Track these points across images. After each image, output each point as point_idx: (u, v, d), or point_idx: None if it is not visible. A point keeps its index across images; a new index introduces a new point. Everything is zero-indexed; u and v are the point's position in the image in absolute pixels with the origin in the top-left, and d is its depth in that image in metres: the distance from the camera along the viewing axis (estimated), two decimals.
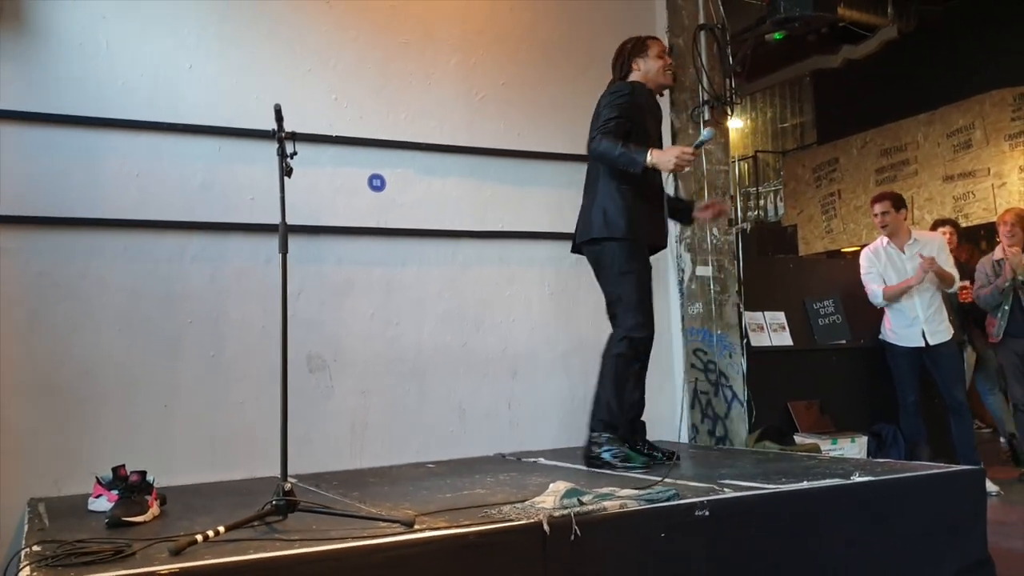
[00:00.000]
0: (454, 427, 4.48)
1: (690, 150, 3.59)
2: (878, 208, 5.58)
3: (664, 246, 3.84)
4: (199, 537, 2.22)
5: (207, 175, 4.03)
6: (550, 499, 2.66)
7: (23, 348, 3.63)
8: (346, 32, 4.40)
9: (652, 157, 3.52)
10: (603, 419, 3.67)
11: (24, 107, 3.71)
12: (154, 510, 2.79)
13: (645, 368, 3.75)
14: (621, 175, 3.66)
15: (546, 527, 2.39)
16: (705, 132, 3.64)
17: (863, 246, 6.07)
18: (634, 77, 3.84)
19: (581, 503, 2.56)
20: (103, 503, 2.89)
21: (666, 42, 5.22)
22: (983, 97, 8.63)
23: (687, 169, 3.58)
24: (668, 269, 5.19)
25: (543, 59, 4.77)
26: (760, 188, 12.51)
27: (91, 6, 3.86)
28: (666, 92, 5.21)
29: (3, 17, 3.70)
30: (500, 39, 4.79)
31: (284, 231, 2.70)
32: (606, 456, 3.59)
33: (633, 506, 2.61)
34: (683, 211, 4.05)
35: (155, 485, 2.89)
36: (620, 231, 3.66)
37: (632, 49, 3.88)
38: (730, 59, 5.34)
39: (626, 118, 3.66)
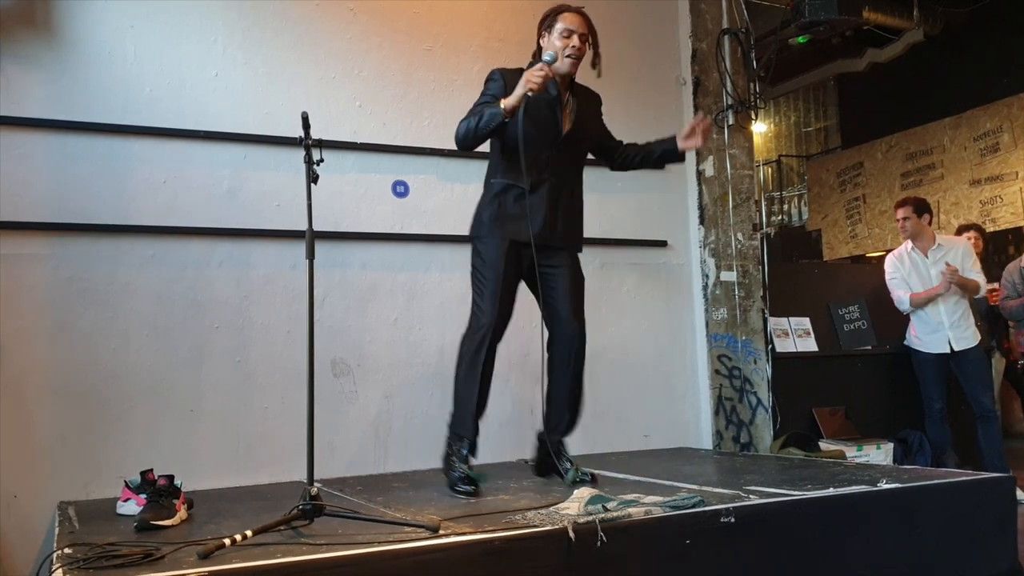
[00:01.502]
0: None
1: (537, 67, 3.23)
2: (900, 213, 5.53)
3: (537, 241, 3.34)
4: (227, 541, 2.25)
5: (233, 182, 4.07)
6: (575, 505, 2.66)
7: (52, 353, 3.67)
8: (370, 40, 4.43)
9: (506, 100, 3.24)
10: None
11: (53, 115, 3.75)
12: (182, 514, 2.82)
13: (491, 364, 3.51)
14: (495, 168, 3.48)
15: (571, 533, 2.39)
16: (548, 55, 3.43)
17: (888, 251, 6.03)
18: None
19: (606, 509, 2.56)
20: (132, 507, 2.92)
21: (690, 47, 5.24)
22: (1011, 100, 8.54)
23: (533, 89, 3.16)
24: (692, 275, 5.18)
25: None
26: (784, 192, 12.44)
27: (119, 15, 3.91)
28: (688, 97, 5.24)
29: (33, 25, 3.75)
30: (522, 46, 4.74)
31: (311, 237, 2.72)
32: (453, 475, 3.32)
33: (658, 513, 2.60)
34: (668, 152, 3.67)
35: (182, 489, 2.92)
36: (474, 229, 3.52)
37: (542, 21, 3.52)
38: (754, 63, 5.33)
39: (493, 98, 3.36)
